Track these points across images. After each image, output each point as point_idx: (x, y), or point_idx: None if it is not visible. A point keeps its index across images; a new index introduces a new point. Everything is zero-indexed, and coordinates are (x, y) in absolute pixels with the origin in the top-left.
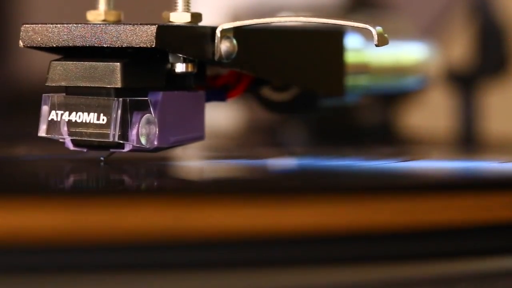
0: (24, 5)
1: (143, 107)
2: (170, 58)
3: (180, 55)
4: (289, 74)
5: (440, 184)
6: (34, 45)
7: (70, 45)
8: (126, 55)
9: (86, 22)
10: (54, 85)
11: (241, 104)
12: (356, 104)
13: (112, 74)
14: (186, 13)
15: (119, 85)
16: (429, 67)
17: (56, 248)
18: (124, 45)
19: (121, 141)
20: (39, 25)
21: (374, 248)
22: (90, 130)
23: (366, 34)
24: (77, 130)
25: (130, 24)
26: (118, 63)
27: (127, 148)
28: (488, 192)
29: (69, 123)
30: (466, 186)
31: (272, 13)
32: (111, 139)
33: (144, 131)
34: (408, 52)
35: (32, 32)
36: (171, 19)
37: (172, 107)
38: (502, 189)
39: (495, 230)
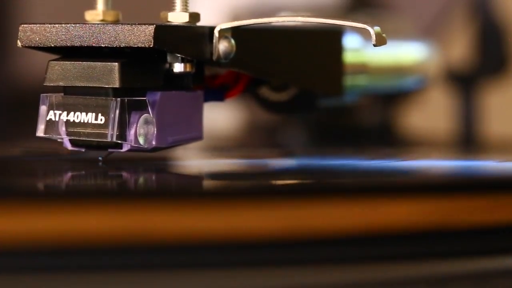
0: (23, 5)
1: (141, 107)
2: (168, 58)
3: (178, 55)
4: (288, 74)
5: (440, 184)
6: (32, 45)
7: (68, 45)
8: (124, 55)
9: (84, 22)
10: (52, 85)
11: (240, 104)
12: (356, 104)
13: (110, 74)
14: (184, 13)
15: (117, 85)
16: (428, 67)
17: (53, 250)
18: (122, 45)
19: (119, 141)
20: (37, 25)
21: (373, 248)
22: (88, 130)
23: (365, 34)
24: (75, 130)
25: (128, 24)
26: (116, 63)
27: (125, 148)
28: (488, 193)
29: (67, 123)
30: (465, 187)
31: (271, 13)
32: (109, 139)
33: (142, 131)
34: (407, 52)
35: (30, 32)
36: (169, 19)
37: (170, 107)
38: (501, 189)
39: (495, 231)
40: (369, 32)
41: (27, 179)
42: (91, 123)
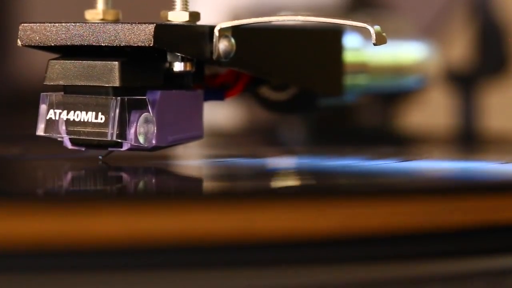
0: (23, 4)
1: (141, 106)
2: (168, 57)
3: (178, 54)
4: (288, 73)
5: (440, 185)
6: (33, 44)
7: (68, 44)
8: (124, 54)
9: (84, 21)
10: (52, 84)
11: (240, 104)
12: (356, 103)
13: (110, 73)
14: (184, 12)
15: (117, 84)
16: (428, 66)
17: (53, 250)
18: (122, 44)
19: (119, 140)
20: (37, 24)
21: (373, 249)
22: (88, 129)
23: (365, 33)
24: (75, 129)
25: (128, 23)
26: (116, 62)
27: (125, 147)
28: (489, 194)
29: (67, 122)
30: (466, 187)
31: (271, 12)
32: (109, 138)
33: (142, 130)
34: (407, 52)
35: (31, 31)
36: (169, 18)
37: (170, 106)
38: (502, 190)
39: (495, 231)
40: (369, 31)
41: (27, 178)
42: (91, 122)
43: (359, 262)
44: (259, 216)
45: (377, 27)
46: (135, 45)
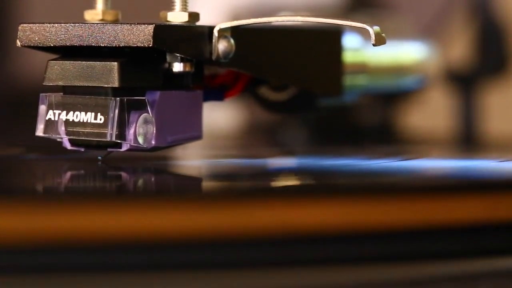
0: (22, 4)
1: (140, 107)
2: (168, 58)
3: (178, 55)
4: (287, 74)
5: (440, 183)
6: (32, 45)
7: (68, 44)
8: (123, 54)
9: (83, 21)
10: (51, 84)
11: (239, 104)
12: (356, 103)
13: (110, 73)
14: (183, 12)
15: (116, 84)
16: (428, 66)
17: (51, 249)
18: (122, 44)
19: (119, 141)
20: (37, 24)
21: (373, 248)
22: (88, 130)
23: (365, 34)
24: (74, 130)
25: (128, 23)
26: (116, 63)
27: (125, 147)
28: (488, 192)
29: (67, 122)
30: (465, 186)
31: (270, 13)
32: (108, 139)
33: (141, 131)
34: (407, 52)
35: (30, 32)
36: (168, 19)
37: (169, 106)
38: (502, 189)
39: (496, 230)
40: (369, 32)
41: (27, 178)
42: (90, 123)
43: (358, 261)
44: (258, 216)
45: (376, 28)
46: (134, 45)
